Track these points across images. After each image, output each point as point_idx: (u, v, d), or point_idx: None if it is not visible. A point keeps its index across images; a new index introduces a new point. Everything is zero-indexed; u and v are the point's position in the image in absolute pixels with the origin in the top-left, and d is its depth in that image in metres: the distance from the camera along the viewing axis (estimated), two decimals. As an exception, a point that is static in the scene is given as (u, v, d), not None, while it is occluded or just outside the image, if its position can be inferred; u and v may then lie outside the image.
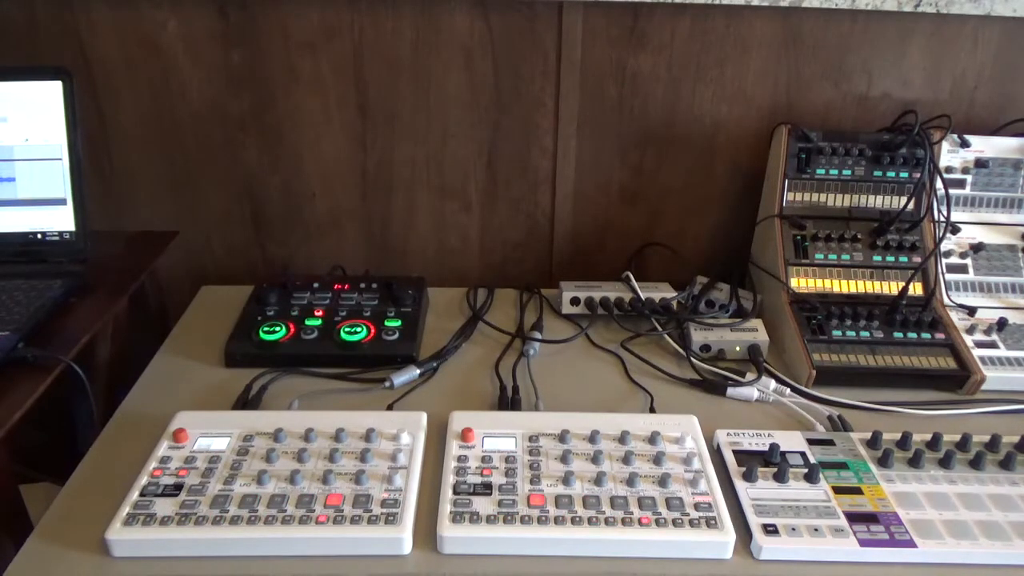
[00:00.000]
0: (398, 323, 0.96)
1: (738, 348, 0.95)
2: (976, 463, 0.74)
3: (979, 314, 0.95)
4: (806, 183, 1.01)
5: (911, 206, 1.00)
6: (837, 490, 0.71)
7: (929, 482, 0.73)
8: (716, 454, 0.77)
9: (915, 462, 0.75)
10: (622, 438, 0.76)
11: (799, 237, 1.00)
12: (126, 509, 0.67)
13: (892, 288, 0.97)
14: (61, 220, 0.96)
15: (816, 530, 0.67)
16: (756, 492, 0.71)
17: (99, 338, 0.94)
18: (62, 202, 0.96)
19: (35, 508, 0.77)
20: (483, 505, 0.68)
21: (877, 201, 1.01)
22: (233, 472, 0.71)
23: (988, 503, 0.70)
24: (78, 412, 0.90)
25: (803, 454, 0.76)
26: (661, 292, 1.04)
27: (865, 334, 0.92)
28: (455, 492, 0.70)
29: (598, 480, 0.70)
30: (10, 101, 0.94)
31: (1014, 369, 0.89)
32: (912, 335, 0.92)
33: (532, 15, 1.01)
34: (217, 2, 1.00)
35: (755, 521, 0.68)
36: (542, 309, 1.07)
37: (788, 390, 0.89)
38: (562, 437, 0.76)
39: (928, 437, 0.78)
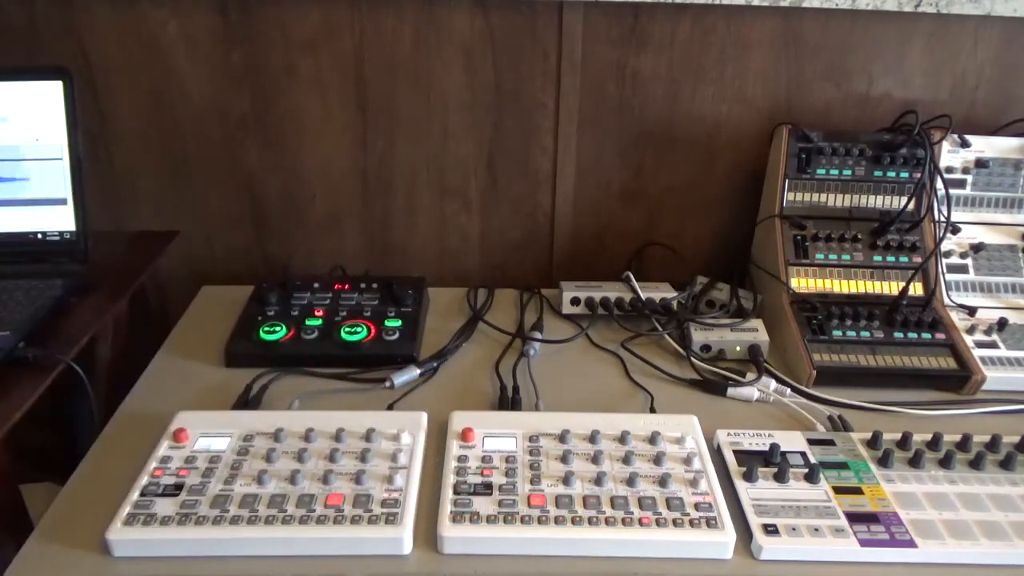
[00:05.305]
0: (398, 323, 0.96)
1: (738, 348, 0.95)
2: (976, 463, 0.74)
3: (979, 314, 0.95)
4: (806, 183, 1.01)
5: (911, 206, 1.00)
6: (837, 490, 0.71)
7: (929, 482, 0.73)
8: (716, 454, 0.77)
9: (915, 462, 0.75)
10: (622, 438, 0.76)
11: (799, 237, 1.00)
12: (126, 509, 0.67)
13: (892, 288, 0.97)
14: (61, 220, 0.96)
15: (816, 530, 0.67)
16: (756, 492, 0.71)
17: (99, 338, 0.94)
18: (62, 202, 0.96)
19: (35, 508, 0.77)
20: (483, 505, 0.68)
21: (877, 201, 1.01)
22: (233, 472, 0.71)
23: (988, 503, 0.70)
24: (78, 412, 0.90)
25: (803, 454, 0.76)
26: (661, 292, 1.04)
27: (865, 334, 0.92)
28: (455, 492, 0.70)
29: (598, 480, 0.70)
30: (10, 101, 0.93)
31: (1014, 369, 0.89)
32: (912, 335, 0.92)
33: (532, 15, 1.01)
34: (217, 2, 1.00)
35: (755, 521, 0.68)
36: (542, 309, 1.07)
37: (788, 390, 0.89)
38: (562, 437, 0.76)
39: (928, 437, 0.78)
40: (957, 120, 1.03)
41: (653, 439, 0.76)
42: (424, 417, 0.80)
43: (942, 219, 0.98)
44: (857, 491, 0.71)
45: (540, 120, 1.08)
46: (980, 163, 1.00)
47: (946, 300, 0.97)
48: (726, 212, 1.15)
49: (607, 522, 0.67)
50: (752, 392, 0.88)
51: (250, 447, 0.75)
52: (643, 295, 1.03)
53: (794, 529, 0.67)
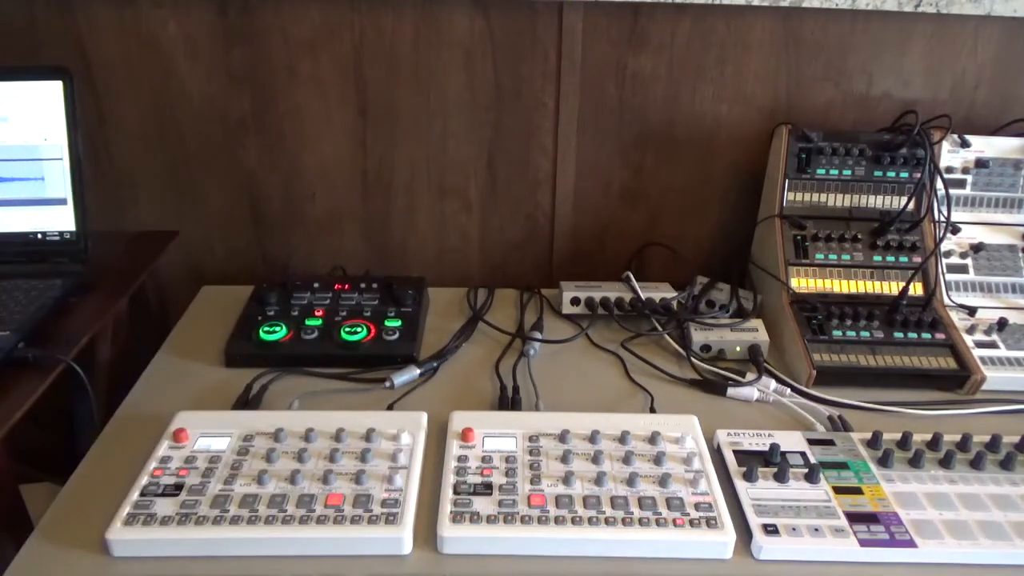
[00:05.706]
0: (398, 323, 0.96)
1: (738, 348, 0.95)
2: (976, 463, 0.74)
3: (979, 314, 0.95)
4: (806, 183, 1.01)
5: (911, 206, 1.00)
6: (837, 490, 0.71)
7: (929, 482, 0.73)
8: (716, 454, 0.77)
9: (915, 462, 0.75)
10: (622, 438, 0.76)
11: (799, 237, 1.00)
12: (126, 509, 0.67)
13: (892, 288, 0.97)
14: (61, 220, 0.96)
15: (816, 530, 0.67)
16: (756, 492, 0.71)
17: (99, 338, 0.94)
18: (62, 202, 0.96)
19: (35, 508, 0.77)
20: (483, 505, 0.68)
21: (877, 201, 1.01)
22: (233, 472, 0.71)
23: (988, 503, 0.70)
24: (78, 412, 0.90)
25: (803, 454, 0.76)
26: (661, 292, 1.04)
27: (865, 334, 0.92)
28: (455, 492, 0.70)
29: (598, 480, 0.70)
30: (10, 101, 0.93)
31: (1014, 369, 0.89)
32: (912, 335, 0.92)
33: (532, 15, 1.01)
34: (217, 2, 1.00)
35: (755, 521, 0.68)
36: (542, 309, 1.07)
37: (788, 390, 0.89)
38: (562, 437, 0.76)
39: (928, 437, 0.78)
40: (957, 120, 1.03)
41: (653, 439, 0.76)
42: (424, 417, 0.80)
43: (942, 219, 0.98)
44: (857, 491, 0.71)
45: (540, 120, 1.08)
46: (980, 163, 1.00)
47: (946, 300, 0.97)
48: (726, 212, 1.15)
49: (607, 522, 0.67)
50: (752, 392, 0.88)
51: (250, 447, 0.75)
52: (643, 295, 1.03)
53: (794, 529, 0.67)
